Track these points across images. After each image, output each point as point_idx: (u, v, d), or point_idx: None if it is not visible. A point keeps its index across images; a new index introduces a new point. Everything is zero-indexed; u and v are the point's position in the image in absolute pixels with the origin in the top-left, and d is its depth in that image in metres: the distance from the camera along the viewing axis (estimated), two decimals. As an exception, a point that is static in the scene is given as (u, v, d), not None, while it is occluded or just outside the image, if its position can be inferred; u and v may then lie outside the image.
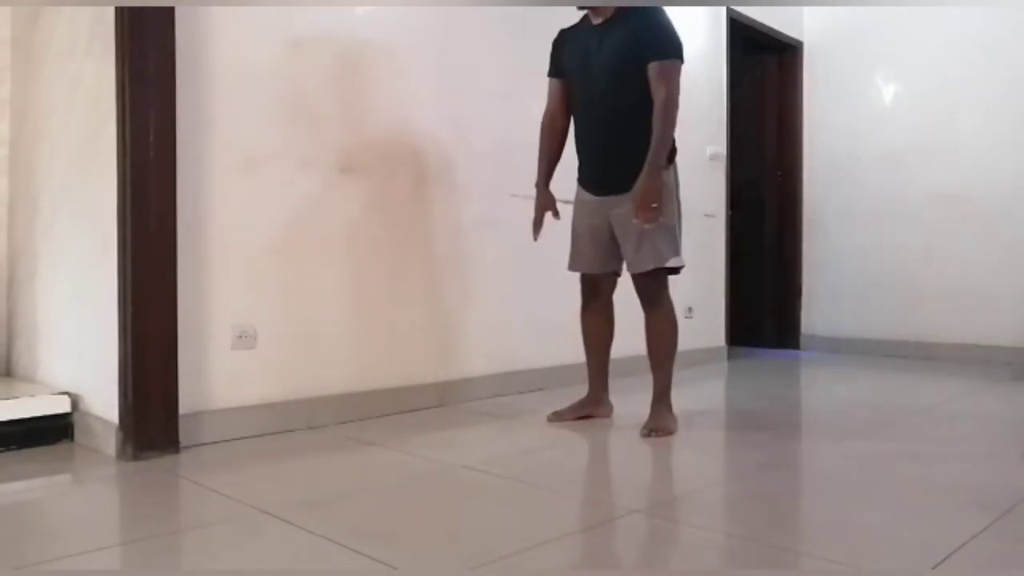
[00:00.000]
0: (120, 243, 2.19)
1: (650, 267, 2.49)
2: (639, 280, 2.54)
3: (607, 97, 2.50)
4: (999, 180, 4.38)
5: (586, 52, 2.56)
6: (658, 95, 2.41)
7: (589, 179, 2.62)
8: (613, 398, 2.78)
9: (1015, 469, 2.18)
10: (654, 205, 2.37)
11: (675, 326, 2.60)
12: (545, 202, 2.66)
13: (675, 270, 2.56)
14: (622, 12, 2.50)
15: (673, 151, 2.56)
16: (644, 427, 2.49)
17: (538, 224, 2.66)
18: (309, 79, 2.63)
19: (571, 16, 3.59)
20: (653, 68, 2.42)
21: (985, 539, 1.56)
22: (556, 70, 2.69)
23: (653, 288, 2.54)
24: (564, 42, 2.67)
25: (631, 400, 2.80)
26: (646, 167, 2.39)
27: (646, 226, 2.41)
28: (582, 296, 2.70)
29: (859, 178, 4.88)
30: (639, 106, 2.44)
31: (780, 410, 3.11)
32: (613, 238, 2.56)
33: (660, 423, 2.51)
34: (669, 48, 2.44)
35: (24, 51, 2.74)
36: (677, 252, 2.53)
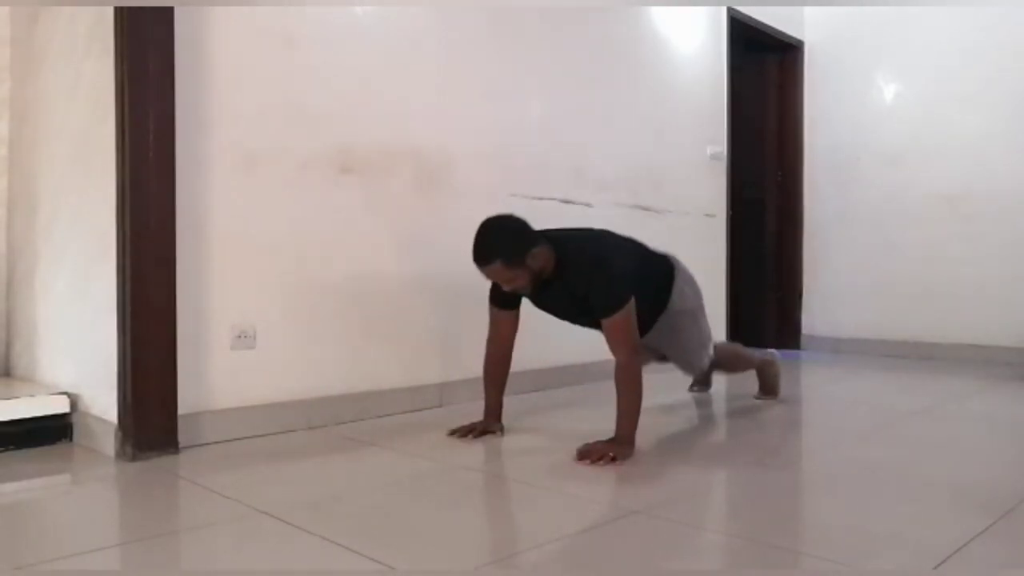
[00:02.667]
0: (119, 243, 2.19)
1: (679, 367, 2.75)
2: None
3: (587, 321, 2.42)
4: (999, 180, 4.37)
5: (541, 302, 2.48)
6: (616, 359, 2.24)
7: None
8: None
9: (1015, 469, 2.18)
10: (612, 458, 2.12)
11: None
12: (489, 427, 2.48)
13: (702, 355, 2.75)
14: (554, 278, 2.32)
15: (669, 293, 2.58)
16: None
17: (467, 434, 2.43)
18: (309, 79, 2.62)
19: (571, 16, 3.58)
20: (604, 327, 2.26)
21: (985, 539, 1.56)
22: (500, 303, 2.47)
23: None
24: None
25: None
26: (617, 437, 2.20)
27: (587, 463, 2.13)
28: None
29: (859, 178, 4.88)
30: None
31: (780, 410, 3.11)
32: None
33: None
34: (612, 301, 2.23)
35: (24, 50, 2.74)
36: (707, 353, 2.75)
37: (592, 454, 2.14)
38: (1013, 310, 4.33)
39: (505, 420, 2.58)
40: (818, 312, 5.05)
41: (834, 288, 4.97)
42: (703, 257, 4.28)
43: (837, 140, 4.97)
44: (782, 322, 5.15)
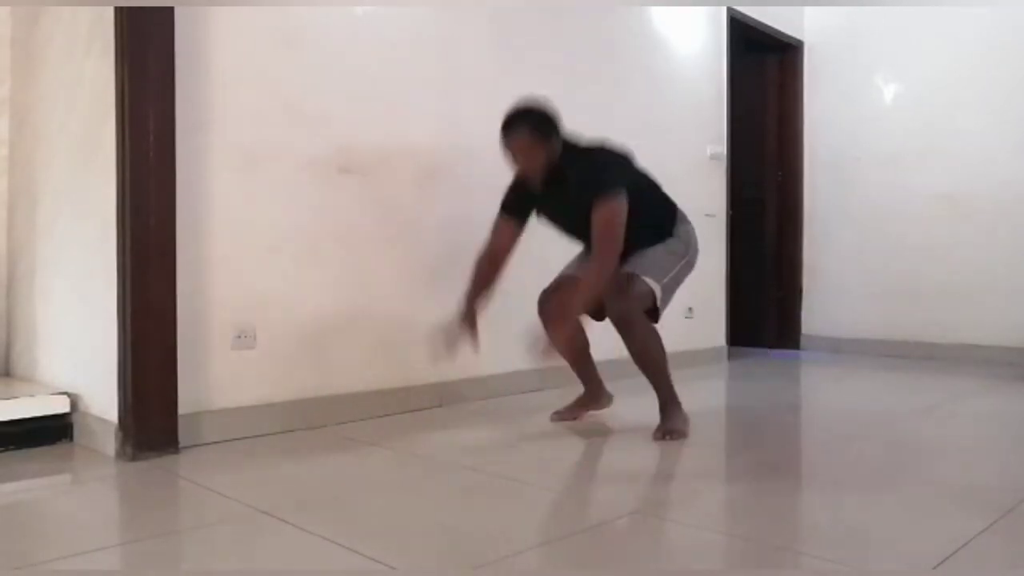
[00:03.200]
0: (119, 242, 2.19)
1: (625, 269, 2.40)
2: (616, 282, 2.40)
3: (583, 231, 2.43)
4: (999, 180, 4.38)
5: (541, 200, 2.51)
6: (594, 248, 2.32)
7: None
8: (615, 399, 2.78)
9: (1015, 469, 2.18)
10: (567, 321, 2.26)
11: (655, 337, 2.44)
12: (468, 317, 2.48)
13: (654, 311, 2.44)
14: (556, 174, 2.39)
15: (672, 223, 2.56)
16: (657, 430, 2.45)
17: (455, 335, 2.45)
18: (309, 79, 2.62)
19: (570, 15, 3.60)
20: (594, 211, 2.30)
21: (985, 539, 1.56)
22: (509, 209, 2.53)
23: (626, 304, 2.37)
24: (521, 188, 2.51)
25: (630, 400, 2.80)
26: (577, 293, 2.29)
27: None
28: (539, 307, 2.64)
29: (859, 178, 4.88)
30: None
31: (780, 410, 3.11)
32: None
33: (673, 425, 2.45)
34: (607, 187, 2.30)
35: (24, 50, 2.74)
36: (659, 281, 2.42)
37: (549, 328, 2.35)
38: (1013, 310, 4.33)
39: (505, 419, 2.58)
40: (818, 312, 5.05)
41: (834, 288, 4.97)
42: (703, 257, 4.28)
43: (837, 140, 4.97)
44: (782, 322, 5.15)
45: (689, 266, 2.59)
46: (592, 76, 3.67)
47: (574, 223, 2.48)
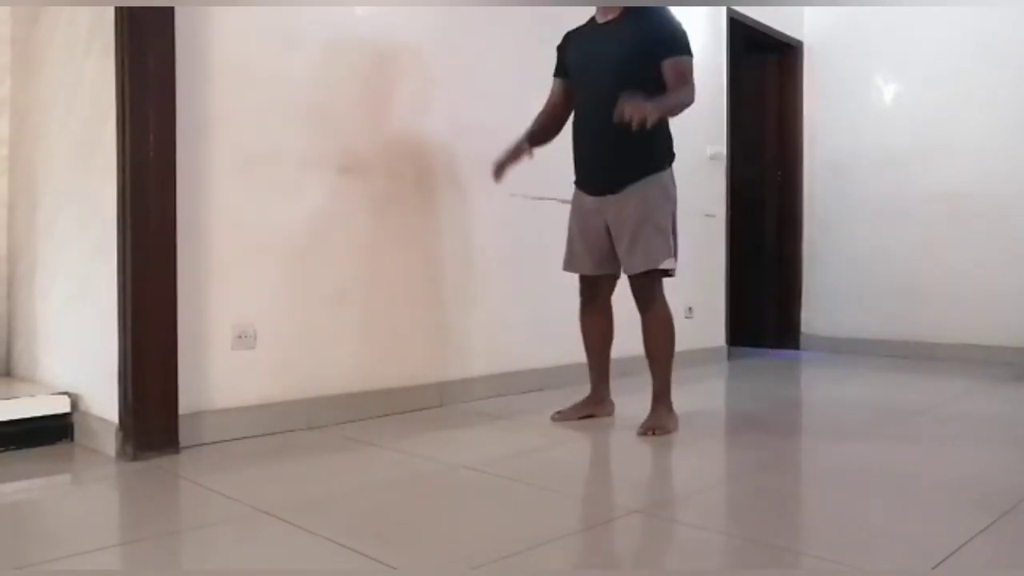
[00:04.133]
0: (120, 243, 2.19)
1: (640, 269, 2.49)
2: (633, 282, 2.54)
3: (611, 97, 2.42)
4: (999, 180, 4.38)
5: (592, 52, 2.57)
6: (679, 85, 2.43)
7: (586, 179, 2.61)
8: (615, 398, 2.78)
9: (1015, 469, 2.18)
10: (640, 111, 2.25)
11: (670, 327, 2.58)
12: (520, 150, 2.66)
13: (668, 272, 2.54)
14: (629, 12, 2.52)
15: (671, 155, 2.58)
16: (642, 426, 2.50)
17: (504, 164, 2.65)
18: (309, 79, 2.63)
19: (570, 15, 3.59)
20: (668, 65, 2.44)
21: (985, 539, 1.56)
22: (561, 70, 2.71)
23: (647, 290, 2.53)
24: (569, 42, 2.69)
25: (632, 400, 2.80)
26: (655, 100, 2.33)
27: (626, 117, 2.27)
28: (581, 297, 2.71)
29: (859, 178, 4.88)
30: None
31: (780, 410, 3.11)
32: (610, 239, 2.56)
33: (659, 422, 2.51)
34: (683, 46, 2.48)
35: (24, 50, 2.74)
36: (670, 255, 2.51)
37: (626, 111, 2.25)
38: (1013, 310, 4.33)
39: (505, 420, 2.58)
40: (818, 312, 5.05)
41: (834, 288, 4.97)
42: (703, 257, 4.29)
43: (837, 140, 4.98)
44: (782, 322, 5.15)
45: (674, 211, 2.61)
46: (592, 76, 3.67)
47: (613, 81, 2.46)
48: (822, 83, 5.04)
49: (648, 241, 2.48)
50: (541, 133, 2.71)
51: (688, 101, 2.44)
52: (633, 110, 2.24)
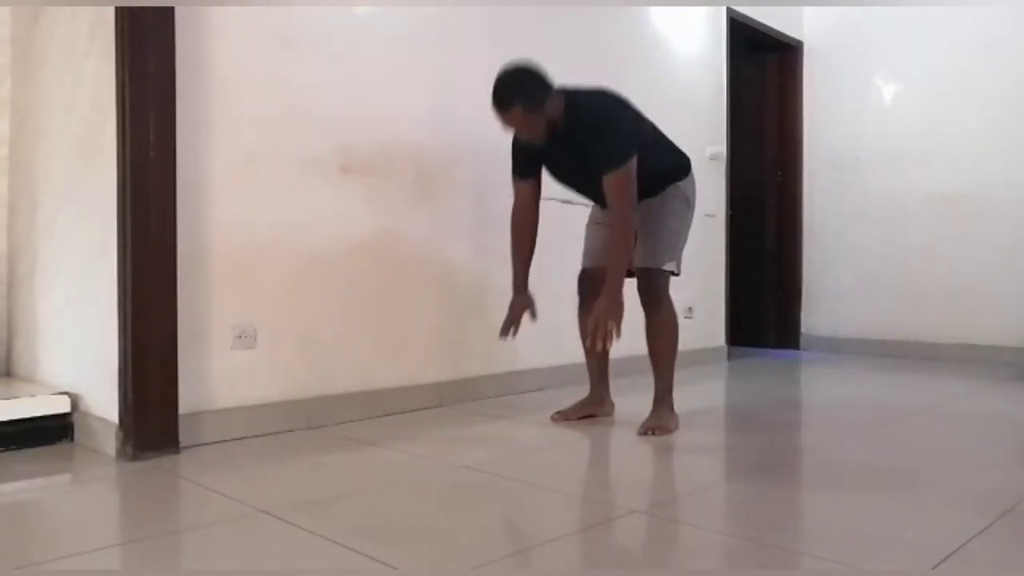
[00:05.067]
0: (120, 243, 2.19)
1: (641, 264, 2.49)
2: (638, 278, 2.54)
3: (593, 189, 2.45)
4: (999, 180, 4.38)
5: (548, 160, 2.53)
6: (612, 214, 2.35)
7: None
8: (615, 398, 2.78)
9: (1015, 469, 2.18)
10: (611, 327, 2.28)
11: (674, 327, 2.59)
12: (523, 303, 2.56)
13: (673, 272, 2.56)
14: (556, 126, 2.38)
15: (686, 161, 2.61)
16: (642, 425, 2.50)
17: (510, 323, 2.54)
18: (309, 79, 2.63)
19: (571, 16, 3.60)
20: (604, 184, 2.34)
21: (985, 539, 1.56)
22: (521, 172, 2.58)
23: (651, 288, 2.52)
24: (523, 149, 2.53)
25: (632, 400, 2.80)
26: (604, 293, 2.31)
27: (600, 347, 2.31)
28: (579, 295, 2.70)
29: (859, 178, 4.88)
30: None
31: (780, 410, 3.11)
32: None
33: (659, 422, 2.51)
34: (615, 156, 2.32)
35: (24, 50, 2.74)
36: (673, 257, 2.53)
37: (596, 335, 2.26)
38: (1013, 310, 4.33)
39: (505, 420, 2.58)
40: (818, 312, 5.05)
41: (834, 288, 4.97)
42: (703, 257, 4.29)
43: (837, 140, 4.98)
44: (782, 322, 5.15)
45: (692, 216, 2.64)
46: (592, 76, 3.65)
47: (582, 181, 2.52)
48: (822, 83, 5.04)
49: (657, 239, 2.49)
50: (528, 262, 2.59)
51: (625, 247, 2.35)
52: (599, 336, 2.25)
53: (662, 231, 2.51)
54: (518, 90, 2.32)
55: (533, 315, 2.59)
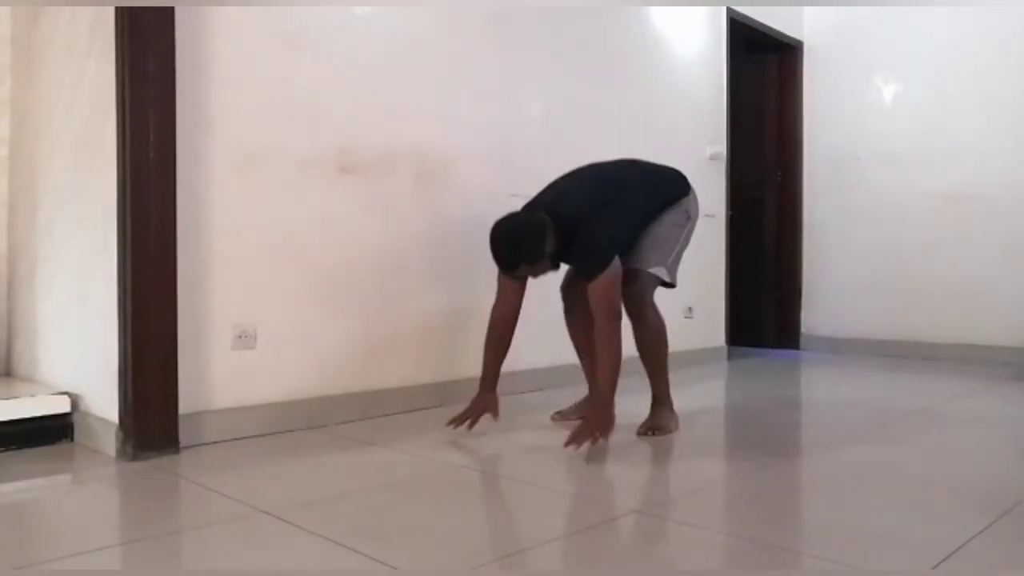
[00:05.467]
0: (120, 243, 2.19)
1: (630, 265, 2.43)
2: (623, 283, 2.42)
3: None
4: (999, 180, 4.38)
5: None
6: (596, 321, 2.31)
7: None
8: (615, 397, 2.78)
9: (1015, 469, 2.18)
10: (597, 436, 2.22)
11: (660, 331, 2.52)
12: (486, 403, 2.49)
13: (665, 283, 2.52)
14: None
15: (685, 190, 2.57)
16: (642, 426, 2.50)
17: (467, 419, 2.45)
18: (309, 79, 2.63)
19: (571, 16, 3.59)
20: (589, 291, 2.32)
21: (985, 539, 1.56)
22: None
23: (633, 293, 2.44)
24: None
25: (632, 400, 2.80)
26: (596, 400, 2.30)
27: (575, 449, 2.19)
28: (564, 302, 2.70)
29: (859, 178, 4.88)
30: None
31: (780, 410, 3.11)
32: None
33: (658, 422, 2.52)
34: (594, 265, 2.30)
35: (24, 50, 2.74)
36: (662, 263, 2.48)
37: (578, 438, 2.20)
38: (1013, 310, 4.33)
39: (505, 421, 2.58)
40: (818, 312, 5.05)
41: (834, 288, 4.97)
42: (703, 257, 4.29)
43: (837, 140, 4.98)
44: (782, 322, 5.15)
45: (692, 228, 2.62)
46: (592, 77, 3.68)
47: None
48: (822, 83, 5.04)
49: (648, 245, 2.48)
50: (500, 363, 2.55)
51: (616, 357, 2.27)
52: (580, 442, 2.18)
53: (656, 237, 2.49)
54: (518, 252, 2.31)
55: (495, 415, 2.51)
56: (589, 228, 2.33)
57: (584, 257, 2.35)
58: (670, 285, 2.54)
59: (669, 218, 2.54)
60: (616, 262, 2.32)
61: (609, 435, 2.25)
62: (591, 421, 2.25)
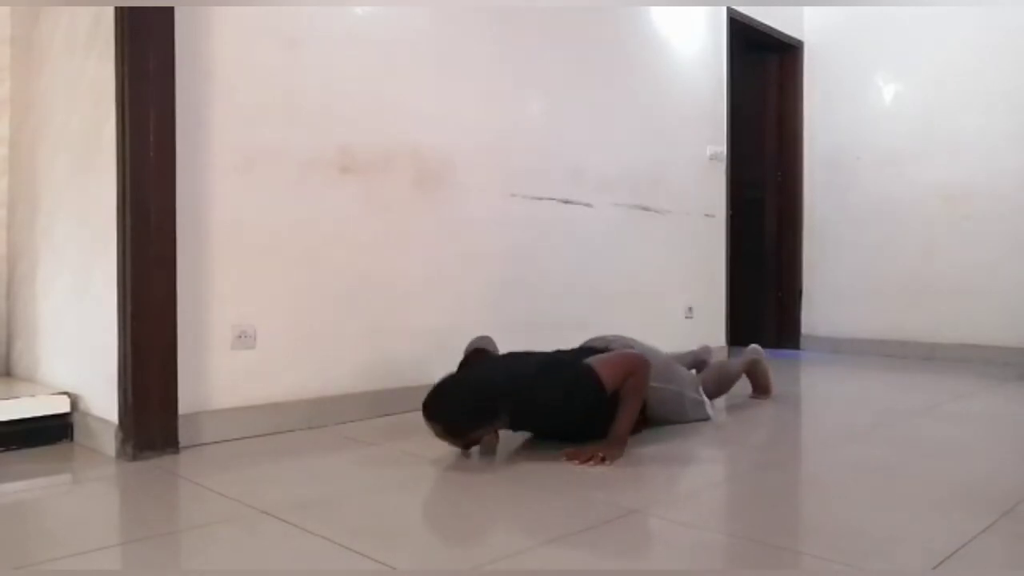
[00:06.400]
0: (120, 242, 2.19)
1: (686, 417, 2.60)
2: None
3: (570, 425, 2.34)
4: (999, 180, 4.38)
5: (516, 422, 2.34)
6: (628, 379, 2.23)
7: None
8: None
9: (1015, 469, 2.18)
10: (602, 458, 2.14)
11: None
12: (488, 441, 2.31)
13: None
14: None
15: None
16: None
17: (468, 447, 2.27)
18: (309, 79, 2.63)
19: (571, 16, 3.60)
20: (600, 375, 2.21)
21: (985, 539, 1.56)
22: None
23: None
24: None
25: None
26: (610, 436, 2.21)
27: (577, 464, 2.13)
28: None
29: (859, 178, 4.89)
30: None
31: (780, 410, 3.11)
32: None
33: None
34: (582, 374, 2.22)
35: (24, 50, 2.74)
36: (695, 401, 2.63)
37: (581, 454, 2.16)
38: (1013, 310, 4.33)
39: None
40: (818, 312, 5.05)
41: (834, 288, 4.98)
42: (703, 257, 4.29)
43: (837, 140, 4.98)
44: (782, 322, 5.15)
45: (668, 367, 2.64)
46: (592, 77, 3.68)
47: (552, 429, 2.37)
48: (822, 83, 5.04)
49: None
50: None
51: (638, 406, 2.26)
52: (591, 462, 2.12)
53: (681, 410, 2.61)
54: (464, 421, 2.14)
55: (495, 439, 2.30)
56: (553, 374, 2.23)
57: (571, 379, 2.21)
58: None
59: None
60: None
61: (613, 462, 2.15)
62: (604, 452, 2.15)
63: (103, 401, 2.28)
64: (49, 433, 2.36)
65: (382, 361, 2.84)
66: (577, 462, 2.14)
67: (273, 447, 2.36)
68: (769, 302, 5.19)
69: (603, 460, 2.14)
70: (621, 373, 2.24)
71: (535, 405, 2.22)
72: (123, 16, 2.17)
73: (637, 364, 2.27)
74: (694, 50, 4.28)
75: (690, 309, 4.11)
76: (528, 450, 2.36)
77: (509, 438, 2.50)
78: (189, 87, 2.31)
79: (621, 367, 2.25)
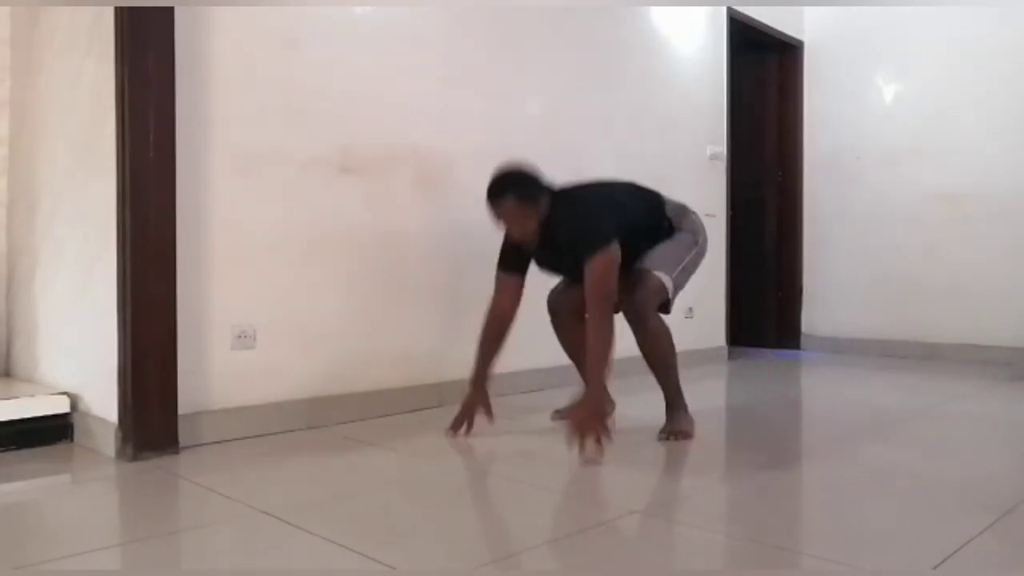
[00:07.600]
0: (119, 243, 2.19)
1: (637, 266, 2.41)
2: (623, 288, 2.40)
3: (579, 273, 2.34)
4: (999, 180, 4.38)
5: (543, 257, 2.51)
6: (587, 305, 2.24)
7: None
8: (615, 397, 2.78)
9: (1015, 469, 2.18)
10: (597, 434, 2.11)
11: (664, 336, 2.45)
12: (477, 400, 2.47)
13: (666, 305, 2.47)
14: (544, 228, 2.37)
15: (673, 225, 2.56)
16: (662, 431, 2.46)
17: (463, 420, 2.45)
18: (309, 79, 2.62)
19: (571, 16, 3.60)
20: (586, 267, 2.25)
21: (985, 539, 1.56)
22: (508, 265, 2.51)
23: (636, 299, 2.39)
24: (515, 244, 2.48)
25: (632, 400, 2.80)
26: (585, 395, 2.21)
27: (580, 453, 2.13)
28: (549, 313, 2.71)
29: (859, 178, 4.88)
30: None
31: (780, 410, 3.11)
32: None
33: (677, 426, 2.46)
34: (591, 244, 2.25)
35: (24, 50, 2.74)
36: (669, 273, 2.44)
37: (576, 439, 2.12)
38: (1013, 310, 4.33)
39: (505, 421, 2.58)
40: (818, 312, 5.05)
41: (834, 288, 4.98)
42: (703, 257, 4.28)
43: (837, 140, 4.98)
44: (782, 322, 5.15)
45: (700, 255, 2.62)
46: (592, 76, 3.68)
47: (573, 272, 2.41)
48: (822, 83, 5.04)
49: (658, 256, 2.47)
50: (492, 359, 2.53)
51: (603, 347, 2.20)
52: (584, 444, 2.10)
53: (665, 249, 2.49)
54: (515, 184, 2.35)
55: (489, 414, 2.49)
56: (585, 208, 2.35)
57: (582, 231, 2.27)
58: (666, 307, 2.48)
59: (679, 237, 2.55)
60: (615, 246, 2.27)
61: (603, 427, 2.14)
62: (580, 420, 2.15)
63: (103, 401, 2.28)
64: (49, 433, 2.36)
65: (382, 361, 2.84)
66: (580, 452, 2.12)
67: (273, 447, 2.36)
68: (769, 302, 5.19)
69: (600, 435, 2.11)
70: (595, 288, 2.23)
71: (556, 231, 2.36)
72: (123, 16, 2.17)
73: (602, 299, 2.24)
74: (694, 50, 4.28)
75: (690, 309, 4.11)
76: (528, 450, 2.36)
77: (507, 437, 2.50)
78: (189, 87, 2.31)
79: (594, 291, 2.22)
